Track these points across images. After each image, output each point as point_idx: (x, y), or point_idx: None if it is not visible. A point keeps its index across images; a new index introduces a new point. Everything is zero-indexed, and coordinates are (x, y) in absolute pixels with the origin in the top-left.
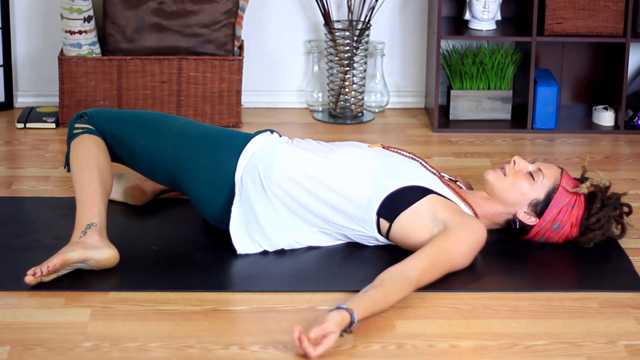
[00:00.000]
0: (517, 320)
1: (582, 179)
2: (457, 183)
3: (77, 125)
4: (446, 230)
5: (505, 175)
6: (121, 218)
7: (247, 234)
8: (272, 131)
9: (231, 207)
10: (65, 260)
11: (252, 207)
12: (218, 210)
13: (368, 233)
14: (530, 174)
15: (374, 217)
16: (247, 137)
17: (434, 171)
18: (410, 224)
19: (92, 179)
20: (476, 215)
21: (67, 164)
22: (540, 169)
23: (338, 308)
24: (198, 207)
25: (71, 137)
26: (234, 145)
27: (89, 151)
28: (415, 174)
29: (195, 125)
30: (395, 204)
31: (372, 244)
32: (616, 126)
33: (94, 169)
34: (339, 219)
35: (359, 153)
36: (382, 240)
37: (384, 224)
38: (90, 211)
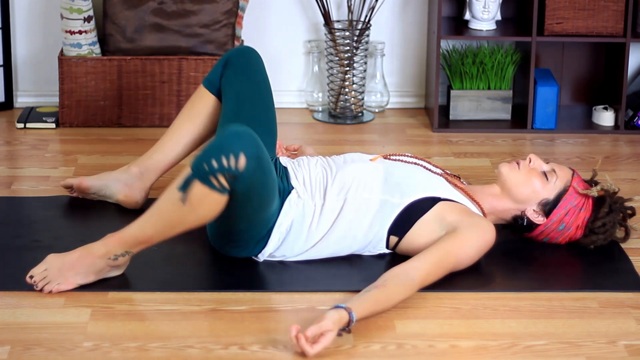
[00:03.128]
0: (517, 320)
1: (592, 182)
2: (462, 181)
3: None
4: (455, 231)
5: (519, 170)
6: (121, 218)
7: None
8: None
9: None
10: (75, 286)
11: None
12: (229, 248)
13: (375, 251)
14: (544, 174)
15: (385, 235)
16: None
17: (439, 171)
18: (419, 234)
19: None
20: (483, 212)
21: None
22: (554, 170)
23: (336, 307)
24: (211, 231)
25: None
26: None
27: None
28: (422, 184)
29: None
30: (405, 221)
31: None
32: (616, 126)
33: None
34: (349, 251)
35: (363, 175)
36: (387, 251)
37: (393, 239)
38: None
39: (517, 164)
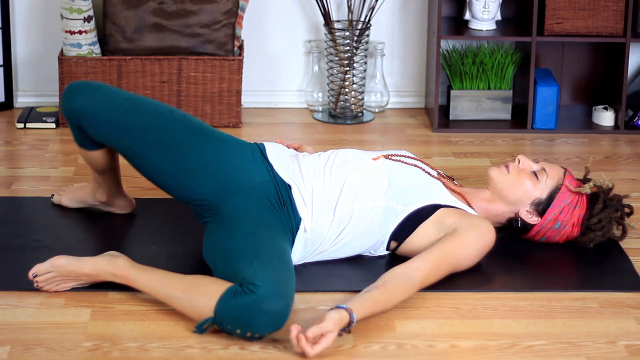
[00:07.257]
0: (517, 320)
1: (585, 180)
2: (454, 182)
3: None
4: (454, 233)
5: (509, 173)
6: (120, 218)
7: None
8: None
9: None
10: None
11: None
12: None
13: (375, 253)
14: (534, 174)
15: (387, 240)
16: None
17: (436, 174)
18: (418, 238)
19: None
20: None
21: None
22: (544, 169)
23: (337, 307)
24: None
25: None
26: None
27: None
28: (424, 191)
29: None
30: (406, 228)
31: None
32: (616, 126)
33: None
34: (350, 254)
35: (369, 182)
36: (387, 252)
37: (393, 243)
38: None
39: (506, 167)
